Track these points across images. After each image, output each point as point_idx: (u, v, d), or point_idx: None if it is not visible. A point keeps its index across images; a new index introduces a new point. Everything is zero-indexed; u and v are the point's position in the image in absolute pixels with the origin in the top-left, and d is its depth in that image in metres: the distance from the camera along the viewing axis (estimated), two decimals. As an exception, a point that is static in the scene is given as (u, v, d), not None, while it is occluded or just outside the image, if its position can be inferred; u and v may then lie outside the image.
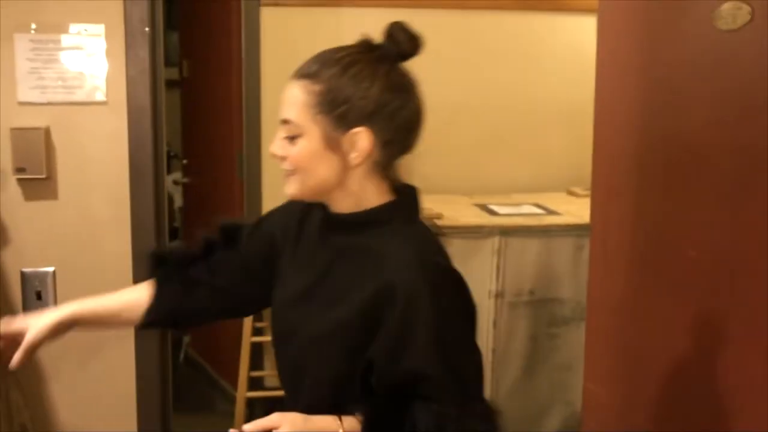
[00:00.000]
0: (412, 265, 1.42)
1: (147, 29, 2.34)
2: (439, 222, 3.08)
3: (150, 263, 1.73)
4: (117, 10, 2.34)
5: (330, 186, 1.49)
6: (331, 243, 1.54)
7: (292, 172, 1.48)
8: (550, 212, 3.30)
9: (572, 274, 3.08)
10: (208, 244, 1.71)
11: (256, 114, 3.66)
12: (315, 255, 1.57)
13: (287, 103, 1.47)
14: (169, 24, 5.61)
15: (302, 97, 1.45)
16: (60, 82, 2.34)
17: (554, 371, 3.14)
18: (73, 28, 2.33)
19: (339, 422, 1.41)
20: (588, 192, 3.43)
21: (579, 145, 3.75)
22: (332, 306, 1.47)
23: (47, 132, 2.35)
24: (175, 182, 5.02)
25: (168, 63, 3.08)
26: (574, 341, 3.06)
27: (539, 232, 3.11)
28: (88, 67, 2.35)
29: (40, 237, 2.41)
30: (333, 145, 1.46)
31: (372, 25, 3.75)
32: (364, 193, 1.50)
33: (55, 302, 2.42)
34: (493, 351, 3.09)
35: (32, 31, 2.32)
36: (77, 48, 2.34)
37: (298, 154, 1.46)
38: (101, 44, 2.35)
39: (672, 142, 1.78)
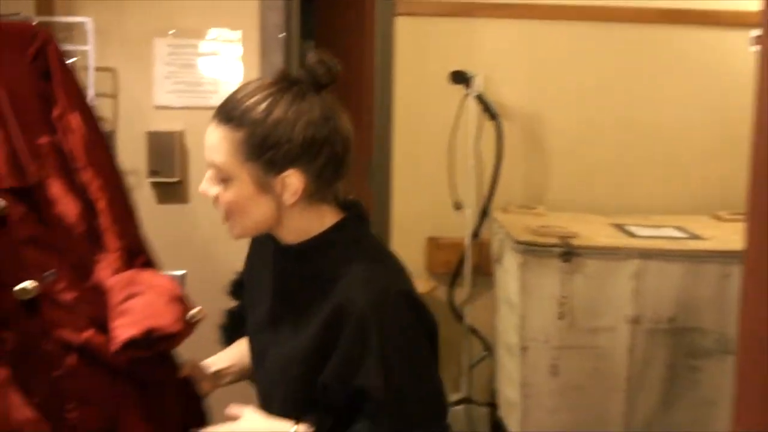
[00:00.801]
0: (361, 288, 1.43)
1: (282, 35, 2.32)
2: (573, 242, 2.95)
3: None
4: (253, 16, 2.33)
5: (270, 224, 1.50)
6: (287, 271, 1.55)
7: (228, 215, 1.48)
8: (694, 236, 3.11)
9: (716, 303, 2.88)
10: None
11: (387, 123, 3.63)
12: (274, 282, 1.58)
13: (212, 148, 1.44)
14: (306, 33, 5.72)
15: (227, 144, 1.42)
16: (195, 87, 2.35)
17: (696, 406, 2.95)
18: (210, 33, 2.34)
19: (294, 426, 1.45)
20: (735, 216, 3.26)
21: (725, 166, 3.58)
22: (295, 332, 1.49)
23: (181, 135, 2.36)
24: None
25: (303, 71, 3.07)
26: (717, 375, 2.88)
27: (682, 257, 2.92)
28: (223, 72, 2.35)
29: (172, 240, 2.40)
30: (265, 188, 1.44)
31: (506, 35, 3.69)
32: (307, 224, 1.50)
33: (184, 306, 2.43)
34: (628, 379, 2.93)
35: (170, 36, 2.33)
36: (213, 53, 2.34)
37: (230, 198, 1.45)
38: (237, 49, 2.34)
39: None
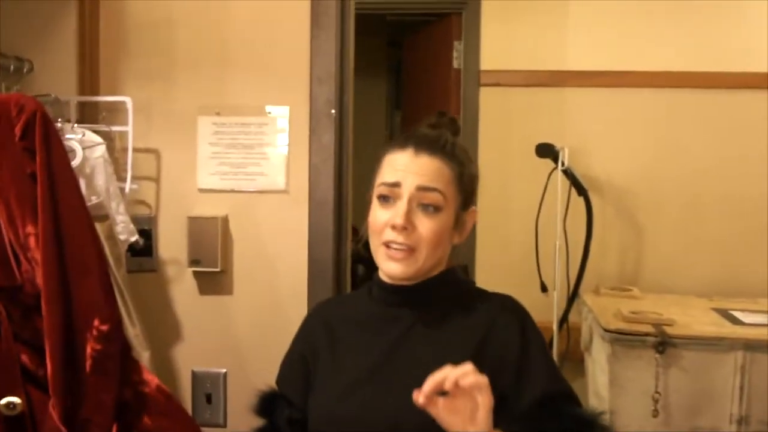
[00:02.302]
0: (508, 309, 1.50)
1: (333, 111, 2.14)
2: (669, 330, 2.67)
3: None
4: (303, 93, 2.15)
5: (437, 264, 1.51)
6: (400, 315, 1.51)
7: (412, 250, 1.45)
8: (809, 324, 2.78)
9: (837, 402, 2.55)
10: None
11: (471, 199, 3.43)
12: (378, 334, 1.52)
13: (430, 175, 1.46)
14: (397, 104, 5.74)
15: (447, 173, 1.47)
16: (240, 168, 2.18)
17: None
18: (258, 111, 2.17)
19: None
20: None
21: None
22: (423, 369, 1.34)
23: (225, 221, 2.19)
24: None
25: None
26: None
27: (794, 348, 2.61)
28: (270, 153, 2.17)
29: (213, 334, 2.22)
30: (457, 222, 1.50)
31: (595, 105, 3.45)
32: (439, 268, 1.53)
33: (225, 408, 2.22)
34: (732, 489, 2.61)
35: (215, 115, 2.18)
36: (260, 132, 2.17)
37: (436, 228, 1.45)
38: (285, 128, 2.17)
39: None
